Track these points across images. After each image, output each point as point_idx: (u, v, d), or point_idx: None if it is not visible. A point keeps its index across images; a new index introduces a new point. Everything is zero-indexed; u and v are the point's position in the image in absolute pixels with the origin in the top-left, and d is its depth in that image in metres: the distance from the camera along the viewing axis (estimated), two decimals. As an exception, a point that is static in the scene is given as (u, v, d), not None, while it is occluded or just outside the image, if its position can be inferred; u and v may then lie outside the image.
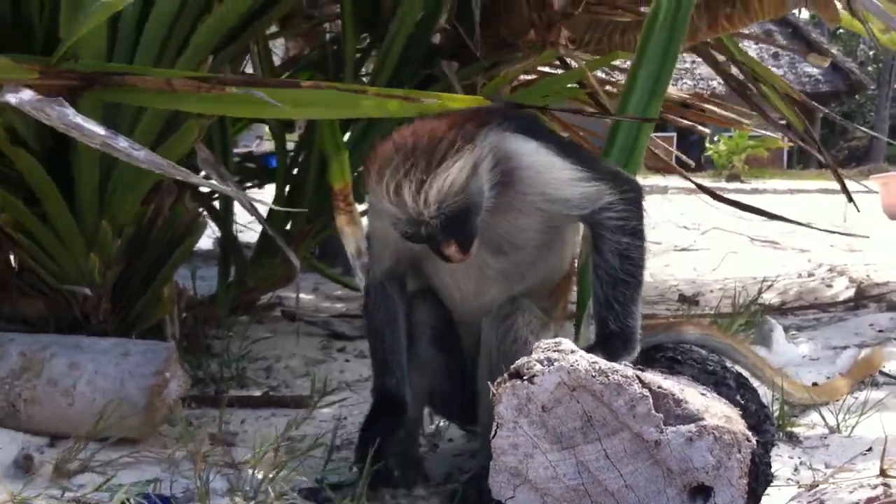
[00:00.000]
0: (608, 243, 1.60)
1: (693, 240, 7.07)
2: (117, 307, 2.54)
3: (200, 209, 2.75)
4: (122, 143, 1.46)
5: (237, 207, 3.42)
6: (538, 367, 1.12)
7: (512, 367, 1.15)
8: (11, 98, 1.48)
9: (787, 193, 14.56)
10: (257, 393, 2.66)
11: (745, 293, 3.71)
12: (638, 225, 1.63)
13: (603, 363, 1.11)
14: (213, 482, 1.73)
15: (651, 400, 1.08)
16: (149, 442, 2.10)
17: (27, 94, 1.47)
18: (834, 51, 23.82)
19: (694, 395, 1.13)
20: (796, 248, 6.61)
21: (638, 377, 1.09)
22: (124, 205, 2.35)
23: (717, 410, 1.12)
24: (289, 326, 3.65)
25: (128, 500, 1.69)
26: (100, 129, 1.46)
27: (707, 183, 12.02)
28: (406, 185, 1.46)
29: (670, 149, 5.08)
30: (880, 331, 3.09)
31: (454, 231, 1.50)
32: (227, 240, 3.45)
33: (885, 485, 1.41)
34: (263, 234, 3.40)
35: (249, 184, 3.98)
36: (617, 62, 3.91)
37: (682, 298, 4.33)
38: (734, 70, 3.99)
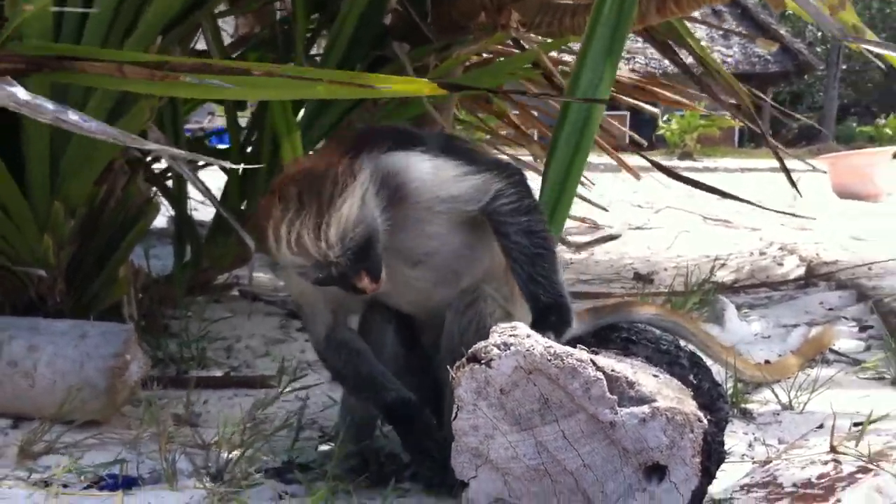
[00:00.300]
0: (511, 226, 1.63)
1: (647, 218, 7.15)
2: (72, 288, 2.52)
3: (154, 190, 2.73)
4: (73, 115, 1.46)
5: (191, 186, 3.40)
6: (495, 351, 1.14)
7: (469, 351, 1.17)
8: (-42, 81, 1.47)
9: (738, 172, 14.75)
10: (218, 373, 2.65)
11: (699, 271, 3.77)
12: (531, 202, 1.67)
13: (558, 347, 1.14)
14: (179, 463, 1.74)
15: (605, 383, 1.11)
16: (112, 423, 2.10)
17: None
18: (783, 31, 24.07)
19: (647, 378, 1.16)
20: (748, 226, 6.72)
21: (592, 361, 1.12)
22: (76, 185, 2.33)
23: (669, 392, 1.15)
24: (247, 306, 3.64)
25: (96, 481, 1.70)
26: (49, 105, 1.46)
27: (663, 160, 12.15)
28: (304, 233, 1.47)
29: (622, 128, 5.13)
30: (830, 309, 3.15)
31: (361, 263, 1.51)
32: (182, 219, 3.43)
33: (836, 461, 1.45)
34: (218, 214, 3.38)
35: (202, 162, 3.96)
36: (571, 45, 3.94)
37: (637, 276, 4.39)
38: (683, 52, 4.03)
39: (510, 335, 1.16)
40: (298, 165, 1.60)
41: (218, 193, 3.37)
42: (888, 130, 19.70)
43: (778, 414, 2.11)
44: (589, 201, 4.56)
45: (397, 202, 1.59)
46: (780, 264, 4.61)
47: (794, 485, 1.36)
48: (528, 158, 4.58)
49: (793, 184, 3.79)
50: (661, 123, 18.21)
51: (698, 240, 5.90)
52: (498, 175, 1.65)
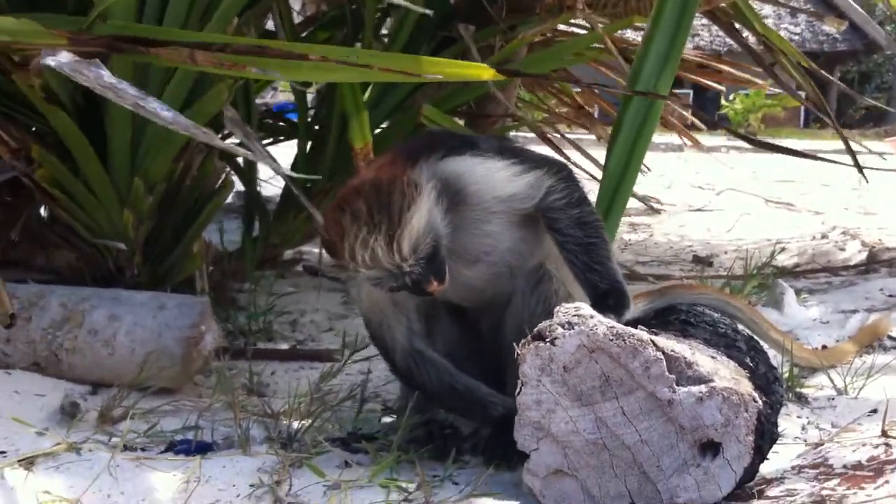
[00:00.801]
0: (564, 220, 1.69)
1: (708, 200, 7.12)
2: (148, 261, 2.64)
3: (227, 168, 2.83)
4: (152, 103, 1.54)
5: (260, 163, 3.50)
6: (559, 330, 1.20)
7: (535, 330, 1.24)
8: (50, 60, 1.56)
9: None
10: (285, 346, 2.75)
11: (759, 255, 3.78)
12: (581, 194, 1.73)
13: (620, 327, 1.20)
14: (251, 430, 1.83)
15: (664, 362, 1.17)
16: (185, 392, 2.21)
17: (65, 57, 1.55)
18: (854, 9, 23.56)
19: (704, 359, 1.21)
20: (811, 210, 6.66)
21: (652, 341, 1.18)
22: (156, 162, 2.44)
23: (725, 373, 1.20)
24: (311, 282, 3.74)
25: (172, 445, 1.79)
26: (132, 90, 1.54)
27: (723, 141, 12.02)
28: (378, 247, 1.52)
29: (685, 109, 5.10)
30: (890, 296, 3.15)
31: (431, 268, 1.56)
32: (251, 196, 3.53)
33: (886, 444, 1.49)
34: (286, 191, 3.48)
35: (270, 140, 4.05)
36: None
37: (697, 259, 4.41)
38: (748, 33, 4.02)
39: (574, 315, 1.22)
40: (362, 177, 1.65)
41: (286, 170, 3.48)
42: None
43: (832, 399, 2.13)
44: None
45: (457, 205, 1.65)
46: (842, 249, 4.59)
47: (845, 466, 1.40)
48: (591, 137, 4.61)
49: (858, 167, 3.78)
50: (724, 103, 18.01)
51: (759, 223, 5.87)
52: (548, 172, 1.71)
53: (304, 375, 2.47)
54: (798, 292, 3.23)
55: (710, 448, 1.17)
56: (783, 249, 4.39)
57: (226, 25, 2.25)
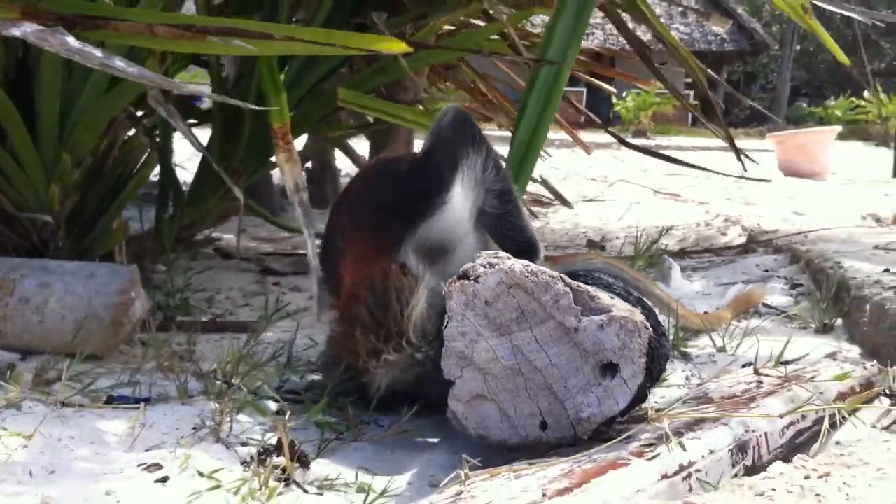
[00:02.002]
0: (490, 199, 1.86)
1: (600, 191, 7.43)
2: (71, 236, 2.72)
3: (151, 144, 2.93)
4: (118, 62, 1.65)
5: (174, 145, 3.59)
6: (481, 269, 1.38)
7: (461, 270, 1.41)
8: (15, 31, 1.66)
9: (690, 150, 15.10)
10: (204, 320, 2.87)
11: (647, 238, 4.04)
12: (501, 168, 1.89)
13: (534, 266, 1.38)
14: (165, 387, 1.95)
15: (571, 295, 1.35)
16: (113, 358, 2.31)
17: (30, 27, 1.65)
18: (740, 10, 24.46)
19: (603, 294, 1.40)
20: (696, 200, 7.03)
21: (561, 277, 1.37)
22: (84, 137, 2.52)
23: (622, 306, 1.39)
24: (223, 262, 3.86)
25: (110, 400, 1.90)
26: (97, 52, 1.65)
27: (608, 139, 12.41)
28: (389, 349, 1.61)
29: (579, 106, 5.34)
30: (766, 270, 3.43)
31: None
32: (167, 175, 3.61)
33: (758, 381, 1.71)
34: (200, 172, 3.58)
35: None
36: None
37: (590, 243, 4.65)
38: (642, 29, 4.27)
39: (494, 258, 1.40)
40: (353, 278, 1.71)
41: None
42: (837, 112, 20.18)
43: (713, 356, 2.37)
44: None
45: (443, 256, 1.75)
46: (724, 234, 4.91)
47: (722, 397, 1.61)
48: (493, 132, 4.82)
49: (739, 158, 4.07)
50: (616, 101, 18.52)
51: (649, 211, 6.19)
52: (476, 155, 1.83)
53: (226, 345, 2.58)
54: (683, 269, 3.49)
55: (610, 369, 1.35)
56: (669, 231, 4.67)
57: (154, 8, 2.35)
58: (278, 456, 1.52)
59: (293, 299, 3.23)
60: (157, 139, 3.56)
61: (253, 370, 2.07)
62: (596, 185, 7.96)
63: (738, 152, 4.08)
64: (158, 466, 1.53)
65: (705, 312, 2.74)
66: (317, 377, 2.14)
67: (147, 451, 1.64)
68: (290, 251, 4.25)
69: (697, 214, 6.05)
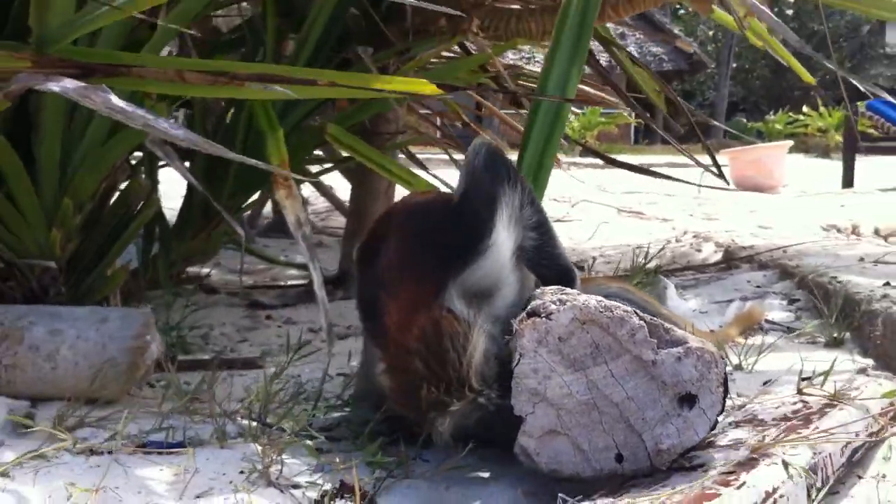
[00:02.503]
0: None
1: (566, 211, 7.47)
2: (69, 280, 2.66)
3: (151, 186, 2.89)
4: (163, 124, 1.62)
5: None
6: (553, 306, 1.37)
7: (528, 308, 1.41)
8: (54, 86, 1.62)
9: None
10: (205, 357, 2.82)
11: (624, 258, 4.07)
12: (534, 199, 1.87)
13: (607, 301, 1.38)
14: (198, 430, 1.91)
15: (646, 329, 1.36)
16: (126, 402, 2.26)
17: (70, 83, 1.61)
18: (676, 31, 24.88)
19: (674, 327, 1.41)
20: (659, 217, 7.12)
21: (635, 312, 1.37)
22: (86, 182, 2.48)
23: (693, 336, 1.40)
24: (208, 298, 3.80)
25: (140, 446, 1.86)
26: (141, 112, 1.61)
27: (563, 158, 12.55)
28: (452, 399, 1.56)
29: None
30: (758, 286, 3.48)
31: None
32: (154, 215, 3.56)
33: (803, 401, 1.73)
34: (184, 210, 3.54)
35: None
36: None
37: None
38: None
39: (562, 294, 1.40)
40: (400, 328, 1.63)
41: (183, 191, 3.53)
42: (777, 126, 20.60)
43: (731, 374, 2.39)
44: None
45: (489, 297, 1.69)
46: (699, 250, 4.96)
47: (774, 419, 1.62)
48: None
49: (720, 172, 4.13)
50: (561, 121, 18.66)
51: (616, 230, 6.25)
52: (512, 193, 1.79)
53: (236, 382, 2.55)
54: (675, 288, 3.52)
55: (687, 400, 1.36)
56: (646, 253, 4.71)
57: (160, 49, 2.33)
58: (341, 498, 1.50)
59: (292, 333, 3.19)
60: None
61: (285, 409, 2.04)
62: (560, 206, 8.01)
63: (717, 165, 4.12)
64: (220, 514, 1.50)
65: (711, 331, 2.76)
66: (341, 413, 2.12)
67: (198, 497, 1.60)
68: (272, 283, 4.21)
69: (664, 231, 6.12)
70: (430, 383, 1.56)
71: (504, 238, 1.71)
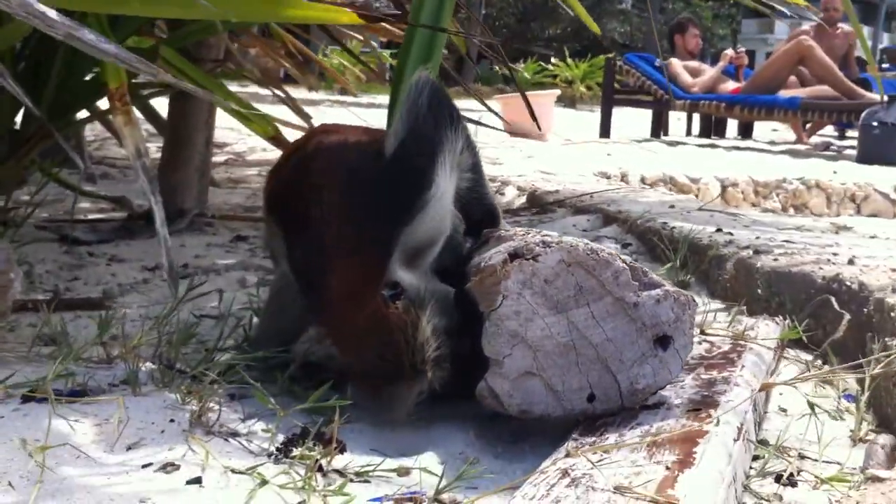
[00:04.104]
0: None
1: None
2: None
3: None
4: (89, 35, 1.46)
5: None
6: (538, 248, 1.38)
7: (511, 250, 1.41)
8: (-30, -13, 1.42)
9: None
10: (41, 297, 2.61)
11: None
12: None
13: (593, 244, 1.41)
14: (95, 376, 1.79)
15: (629, 271, 1.40)
16: (-11, 344, 2.06)
17: None
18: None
19: (650, 271, 1.46)
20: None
21: (618, 255, 1.41)
22: None
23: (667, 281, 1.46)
24: (13, 233, 3.51)
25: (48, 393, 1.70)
26: (65, 20, 1.44)
27: (324, 96, 12.51)
28: (402, 387, 1.54)
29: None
30: (584, 231, 3.63)
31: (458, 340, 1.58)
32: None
33: (709, 342, 1.85)
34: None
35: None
36: None
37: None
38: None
39: (543, 236, 1.41)
40: (343, 310, 1.59)
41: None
42: (526, 74, 21.31)
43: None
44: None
45: (431, 247, 1.67)
46: (502, 194, 5.10)
47: (693, 358, 1.72)
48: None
49: (491, 110, 4.21)
50: (321, 58, 18.44)
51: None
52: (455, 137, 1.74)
53: (86, 324, 2.39)
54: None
55: (663, 341, 1.42)
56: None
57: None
58: (302, 445, 1.45)
59: (124, 271, 3.02)
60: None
61: (174, 351, 1.93)
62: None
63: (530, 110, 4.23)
64: (174, 466, 1.41)
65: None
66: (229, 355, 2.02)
67: (130, 449, 1.50)
68: (85, 218, 3.93)
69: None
70: (380, 369, 1.53)
71: (445, 187, 1.67)
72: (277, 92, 4.00)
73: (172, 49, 3.13)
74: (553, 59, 21.26)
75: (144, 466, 1.42)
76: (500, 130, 5.03)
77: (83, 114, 3.64)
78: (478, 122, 3.78)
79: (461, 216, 1.83)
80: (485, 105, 4.33)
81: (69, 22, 1.43)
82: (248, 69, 3.90)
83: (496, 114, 4.15)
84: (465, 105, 4.33)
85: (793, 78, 10.65)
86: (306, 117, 3.84)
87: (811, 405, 1.62)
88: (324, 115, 10.15)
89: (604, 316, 1.39)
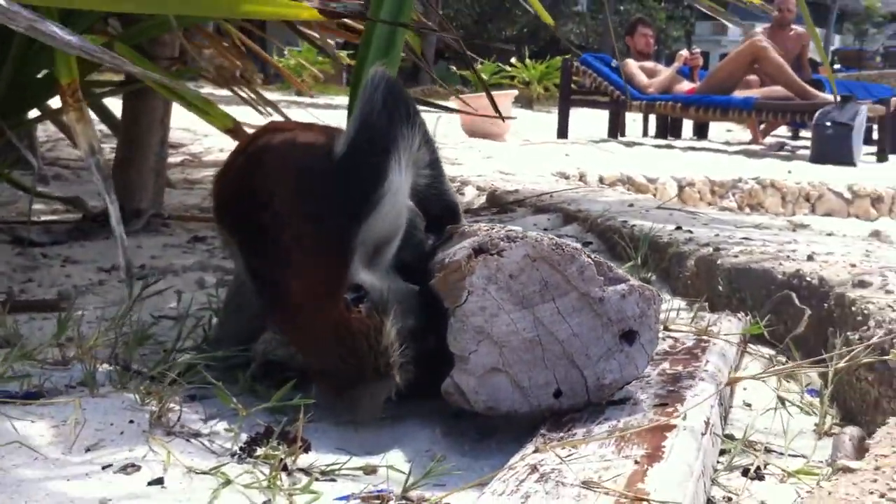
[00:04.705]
0: None
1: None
2: None
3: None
4: (51, 27, 1.42)
5: None
6: (503, 243, 1.37)
7: (476, 245, 1.40)
8: None
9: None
10: (-7, 299, 2.56)
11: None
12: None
13: (557, 239, 1.40)
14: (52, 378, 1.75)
15: (594, 266, 1.39)
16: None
17: None
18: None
19: (614, 265, 1.45)
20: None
21: (583, 250, 1.40)
22: None
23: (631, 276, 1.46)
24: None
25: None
26: (26, 12, 1.41)
27: (280, 97, 12.45)
28: (368, 391, 1.54)
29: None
30: (544, 230, 3.63)
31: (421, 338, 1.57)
32: None
33: (673, 337, 1.85)
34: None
35: None
36: None
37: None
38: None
39: (509, 231, 1.40)
40: (304, 314, 1.57)
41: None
42: (484, 75, 21.35)
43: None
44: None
45: (388, 243, 1.66)
46: (462, 193, 5.09)
47: (658, 353, 1.72)
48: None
49: (448, 110, 4.20)
50: (277, 59, 18.34)
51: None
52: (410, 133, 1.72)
53: (41, 326, 2.34)
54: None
55: (627, 336, 1.41)
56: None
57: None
58: (266, 444, 1.43)
59: (79, 272, 2.97)
60: None
61: (130, 351, 1.90)
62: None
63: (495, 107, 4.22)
64: (135, 467, 1.39)
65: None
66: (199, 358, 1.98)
67: (89, 451, 1.47)
68: (38, 220, 3.86)
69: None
70: (344, 372, 1.52)
71: (400, 183, 1.65)
72: (237, 90, 3.96)
73: (127, 46, 3.08)
74: (512, 60, 21.29)
75: (105, 468, 1.39)
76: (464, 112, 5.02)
77: (35, 113, 3.57)
78: (445, 109, 3.78)
79: (420, 213, 1.81)
80: (440, 107, 4.33)
81: (31, 14, 1.40)
82: (204, 67, 3.85)
83: (456, 110, 4.14)
84: (424, 106, 4.31)
85: (755, 77, 10.74)
86: (267, 108, 3.81)
87: (781, 399, 1.63)
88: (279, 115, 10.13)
89: (569, 311, 1.39)
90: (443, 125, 3.96)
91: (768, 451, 1.54)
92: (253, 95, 3.99)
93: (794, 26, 11.41)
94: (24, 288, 2.73)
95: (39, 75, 3.20)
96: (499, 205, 4.45)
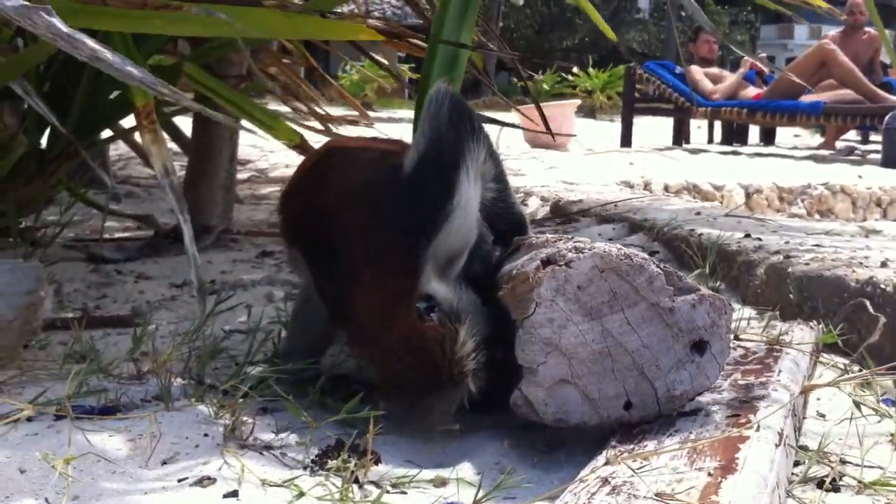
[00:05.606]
0: None
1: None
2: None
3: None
4: (114, 57, 1.46)
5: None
6: (570, 254, 1.37)
7: (544, 256, 1.40)
8: (-4, 3, 1.42)
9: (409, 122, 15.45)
10: (70, 315, 2.62)
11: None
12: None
13: (626, 249, 1.39)
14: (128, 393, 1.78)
15: (663, 276, 1.38)
16: (16, 365, 2.06)
17: (11, 1, 1.41)
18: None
19: (684, 275, 1.44)
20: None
21: (652, 260, 1.39)
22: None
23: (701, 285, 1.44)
24: (40, 252, 3.52)
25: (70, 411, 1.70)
26: (89, 41, 1.45)
27: (343, 111, 12.63)
28: (438, 400, 1.54)
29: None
30: (610, 239, 3.61)
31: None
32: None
33: (744, 347, 1.82)
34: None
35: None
36: None
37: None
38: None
39: (577, 242, 1.40)
40: (375, 324, 1.57)
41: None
42: (545, 85, 21.29)
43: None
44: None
45: (459, 257, 1.67)
46: (526, 204, 5.09)
47: (728, 363, 1.70)
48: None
49: (548, 129, 4.22)
50: (340, 74, 18.53)
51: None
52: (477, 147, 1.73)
53: (116, 341, 2.40)
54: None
55: (699, 346, 1.40)
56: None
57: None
58: (337, 457, 1.44)
59: (152, 288, 3.03)
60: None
61: (201, 366, 1.93)
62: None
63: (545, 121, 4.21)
64: (210, 480, 1.41)
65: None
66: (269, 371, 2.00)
67: (166, 463, 1.50)
68: (111, 237, 3.94)
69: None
70: (418, 382, 1.52)
71: (469, 195, 1.66)
72: (299, 106, 4.01)
73: (196, 66, 3.14)
74: (574, 69, 21.19)
75: (181, 481, 1.42)
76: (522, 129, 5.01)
77: (107, 133, 3.65)
78: (502, 123, 3.78)
79: (487, 225, 1.82)
80: (500, 122, 4.33)
81: (94, 44, 1.43)
82: (270, 84, 3.91)
83: (515, 125, 4.13)
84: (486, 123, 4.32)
85: (832, 81, 10.53)
86: (328, 127, 3.85)
87: (857, 404, 1.60)
88: (343, 130, 10.24)
89: (639, 322, 1.38)
90: (505, 137, 3.96)
91: (843, 461, 1.51)
92: (319, 110, 4.04)
93: (867, 28, 11.19)
94: (98, 304, 2.80)
95: (112, 96, 3.27)
96: (563, 215, 4.44)
